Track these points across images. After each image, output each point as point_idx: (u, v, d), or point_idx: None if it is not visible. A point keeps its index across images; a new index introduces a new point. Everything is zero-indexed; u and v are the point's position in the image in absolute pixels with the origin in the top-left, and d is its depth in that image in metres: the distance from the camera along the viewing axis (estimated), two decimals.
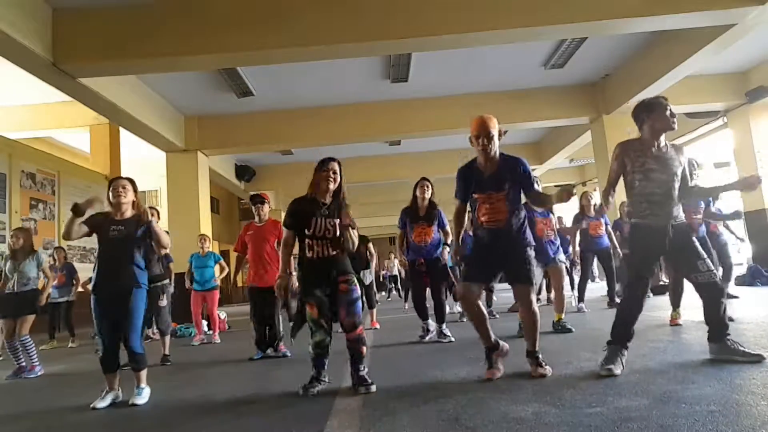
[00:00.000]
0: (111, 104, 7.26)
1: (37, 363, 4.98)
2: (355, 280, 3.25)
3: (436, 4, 6.05)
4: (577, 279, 7.31)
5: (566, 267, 9.70)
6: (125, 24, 6.02)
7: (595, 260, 7.22)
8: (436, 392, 2.89)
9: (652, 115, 3.13)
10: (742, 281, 8.98)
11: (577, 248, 6.54)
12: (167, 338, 5.20)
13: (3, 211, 9.03)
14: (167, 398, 3.51)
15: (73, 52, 5.97)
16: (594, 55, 8.51)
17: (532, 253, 3.20)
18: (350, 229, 3.20)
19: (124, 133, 10.79)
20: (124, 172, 12.34)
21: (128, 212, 3.43)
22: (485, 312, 3.27)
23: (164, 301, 5.20)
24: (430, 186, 5.06)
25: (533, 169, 14.74)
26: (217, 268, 6.95)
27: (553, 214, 5.18)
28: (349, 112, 9.94)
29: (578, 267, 9.43)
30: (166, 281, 5.37)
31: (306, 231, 3.19)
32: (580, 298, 6.80)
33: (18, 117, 10.54)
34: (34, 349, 4.98)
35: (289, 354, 4.89)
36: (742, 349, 3.01)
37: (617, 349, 3.08)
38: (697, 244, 3.15)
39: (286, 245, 3.32)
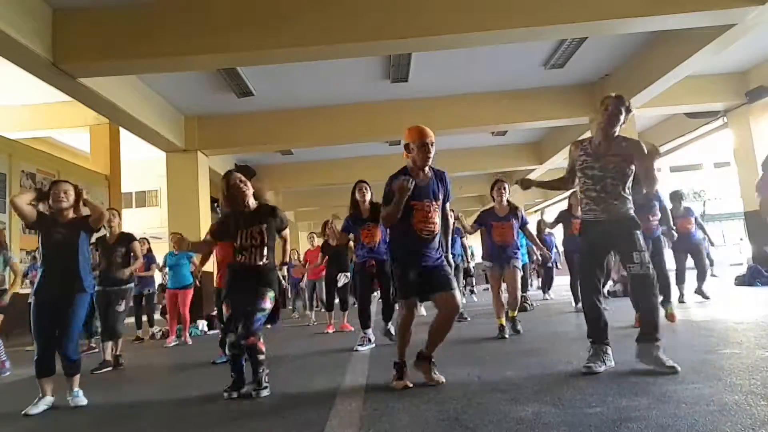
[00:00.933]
0: (111, 104, 7.25)
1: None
2: (271, 295, 3.31)
3: (436, 4, 6.05)
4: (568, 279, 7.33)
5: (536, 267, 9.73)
6: (125, 24, 6.01)
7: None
8: (436, 392, 2.90)
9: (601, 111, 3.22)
10: (742, 281, 8.98)
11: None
12: (119, 341, 5.06)
13: (3, 211, 9.03)
14: (168, 398, 3.51)
15: (73, 52, 5.96)
16: (594, 55, 8.50)
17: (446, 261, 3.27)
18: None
19: (124, 133, 10.78)
20: (124, 172, 12.35)
21: (70, 215, 3.44)
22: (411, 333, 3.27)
23: (122, 307, 5.04)
24: (368, 188, 5.14)
25: (533, 169, 14.69)
26: (192, 265, 6.90)
27: (516, 218, 5.13)
28: (349, 112, 9.92)
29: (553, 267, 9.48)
30: (129, 286, 5.19)
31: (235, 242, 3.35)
32: (576, 299, 6.79)
33: (18, 117, 10.53)
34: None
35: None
36: (662, 358, 2.92)
37: (598, 347, 3.12)
38: (639, 237, 3.13)
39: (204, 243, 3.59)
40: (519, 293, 5.24)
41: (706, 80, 9.41)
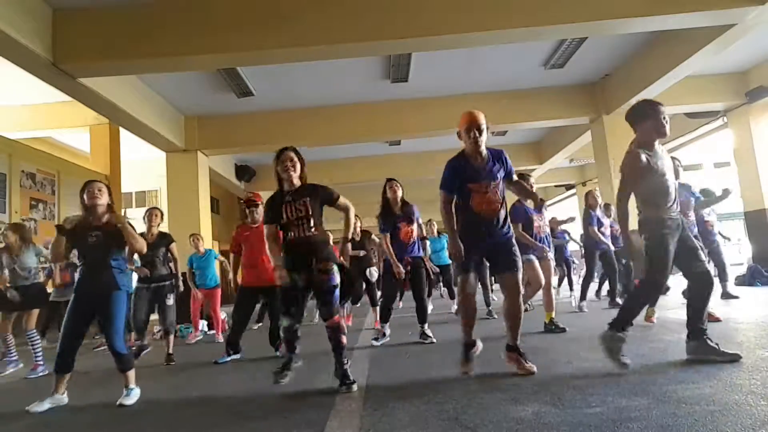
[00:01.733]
0: (111, 104, 7.26)
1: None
2: (335, 268, 3.32)
3: (436, 4, 6.05)
4: (575, 279, 7.34)
5: (565, 267, 9.82)
6: (125, 24, 6.01)
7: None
8: (436, 392, 2.90)
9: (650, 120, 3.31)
10: (742, 281, 8.98)
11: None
12: (171, 338, 5.18)
13: (3, 211, 9.03)
14: (168, 398, 3.51)
15: (73, 52, 5.96)
16: (594, 55, 8.50)
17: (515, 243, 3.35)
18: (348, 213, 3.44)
19: (124, 133, 10.77)
20: (124, 172, 12.33)
21: (105, 216, 3.48)
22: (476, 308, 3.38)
23: (171, 301, 5.21)
24: (399, 185, 5.11)
25: (533, 169, 14.70)
26: (216, 264, 6.97)
27: (546, 209, 5.22)
28: (349, 112, 9.93)
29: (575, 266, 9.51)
30: (172, 281, 5.33)
31: (281, 220, 3.32)
32: (582, 297, 6.79)
33: (18, 117, 10.53)
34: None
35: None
36: (719, 348, 3.06)
37: (623, 337, 3.14)
38: (695, 239, 3.27)
39: (269, 239, 3.41)
40: (549, 286, 5.23)
41: (706, 80, 9.41)
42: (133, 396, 3.36)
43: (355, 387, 3.15)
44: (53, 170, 10.47)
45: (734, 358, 2.99)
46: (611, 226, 6.84)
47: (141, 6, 5.98)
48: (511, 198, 3.81)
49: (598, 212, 6.76)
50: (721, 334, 4.16)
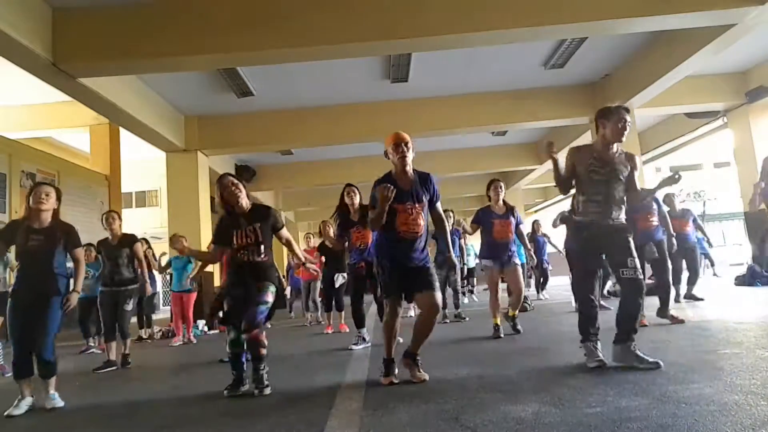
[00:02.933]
0: (111, 104, 7.25)
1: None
2: (272, 288, 3.38)
3: (436, 4, 6.05)
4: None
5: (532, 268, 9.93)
6: (125, 24, 6.01)
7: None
8: (436, 392, 2.90)
9: (608, 123, 3.35)
10: (742, 281, 8.98)
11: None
12: (128, 341, 5.11)
13: (3, 211, 9.03)
14: (168, 398, 3.51)
15: (73, 52, 5.96)
16: (594, 55, 8.50)
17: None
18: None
19: (124, 133, 10.78)
20: (124, 172, 12.35)
21: (48, 220, 3.43)
22: (398, 329, 3.38)
23: (129, 306, 5.10)
24: (357, 191, 5.17)
25: (533, 169, 14.67)
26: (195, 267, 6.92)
27: (514, 217, 5.18)
28: (349, 112, 9.93)
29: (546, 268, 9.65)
30: (135, 286, 5.20)
31: (231, 245, 3.42)
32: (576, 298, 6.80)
33: (18, 117, 10.53)
34: None
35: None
36: (642, 355, 3.05)
37: (590, 344, 3.23)
38: (631, 243, 3.24)
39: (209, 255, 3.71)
40: (522, 292, 5.26)
41: (706, 80, 9.42)
42: (58, 399, 3.33)
43: (267, 390, 3.21)
44: (53, 170, 10.48)
45: (656, 366, 2.95)
46: None
47: (141, 6, 5.97)
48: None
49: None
50: (721, 334, 4.17)
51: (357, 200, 5.14)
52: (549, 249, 9.81)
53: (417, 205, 3.26)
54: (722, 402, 2.27)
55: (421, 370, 3.23)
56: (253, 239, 3.35)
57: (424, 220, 3.30)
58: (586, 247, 3.32)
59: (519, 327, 5.11)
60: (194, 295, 7.09)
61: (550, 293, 9.96)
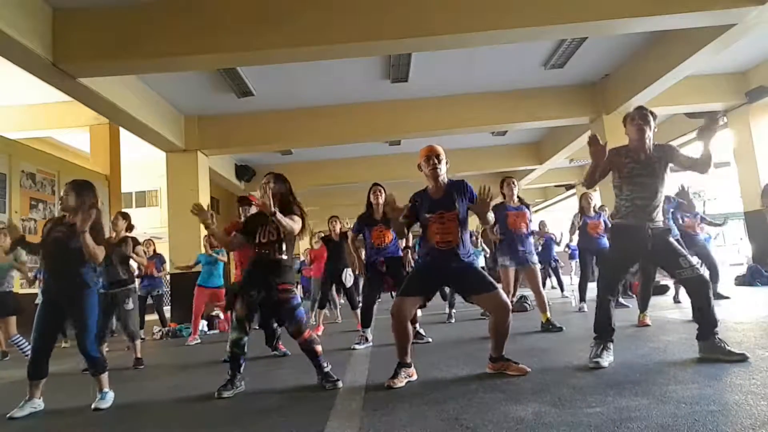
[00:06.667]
0: (111, 104, 7.25)
1: None
2: (293, 290, 3.49)
3: (436, 4, 6.04)
4: (571, 280, 7.37)
5: (551, 268, 9.97)
6: (125, 24, 6.01)
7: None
8: (436, 392, 2.90)
9: (627, 125, 3.37)
10: (742, 281, 8.98)
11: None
12: (137, 342, 5.09)
13: (3, 211, 9.03)
14: (168, 398, 3.51)
15: (73, 52, 5.95)
16: (594, 55, 8.50)
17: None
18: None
19: (124, 133, 10.77)
20: (124, 172, 12.34)
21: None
22: (411, 332, 3.34)
23: (130, 305, 5.05)
24: (383, 191, 5.20)
25: (533, 169, 14.66)
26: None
27: (528, 209, 5.22)
28: (349, 112, 9.92)
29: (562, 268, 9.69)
30: (132, 285, 5.18)
31: (253, 240, 3.52)
32: (581, 298, 6.82)
33: (18, 117, 10.53)
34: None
35: (288, 353, 4.89)
36: (728, 348, 3.08)
37: (603, 343, 3.26)
38: (675, 243, 3.28)
39: (229, 239, 3.69)
40: (543, 292, 5.25)
41: (706, 80, 9.41)
42: (108, 399, 3.30)
43: (340, 384, 3.26)
44: (53, 170, 10.47)
45: (742, 358, 2.98)
46: (605, 224, 6.83)
47: (141, 6, 5.97)
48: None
49: (591, 215, 6.80)
50: (722, 334, 4.16)
51: (382, 200, 5.17)
52: (556, 248, 9.86)
53: (447, 214, 3.26)
54: (722, 402, 2.27)
55: (518, 363, 3.20)
56: (275, 236, 3.46)
57: (459, 229, 3.26)
58: (625, 253, 3.36)
59: (557, 324, 5.05)
60: (223, 291, 7.00)
61: (549, 293, 9.95)
